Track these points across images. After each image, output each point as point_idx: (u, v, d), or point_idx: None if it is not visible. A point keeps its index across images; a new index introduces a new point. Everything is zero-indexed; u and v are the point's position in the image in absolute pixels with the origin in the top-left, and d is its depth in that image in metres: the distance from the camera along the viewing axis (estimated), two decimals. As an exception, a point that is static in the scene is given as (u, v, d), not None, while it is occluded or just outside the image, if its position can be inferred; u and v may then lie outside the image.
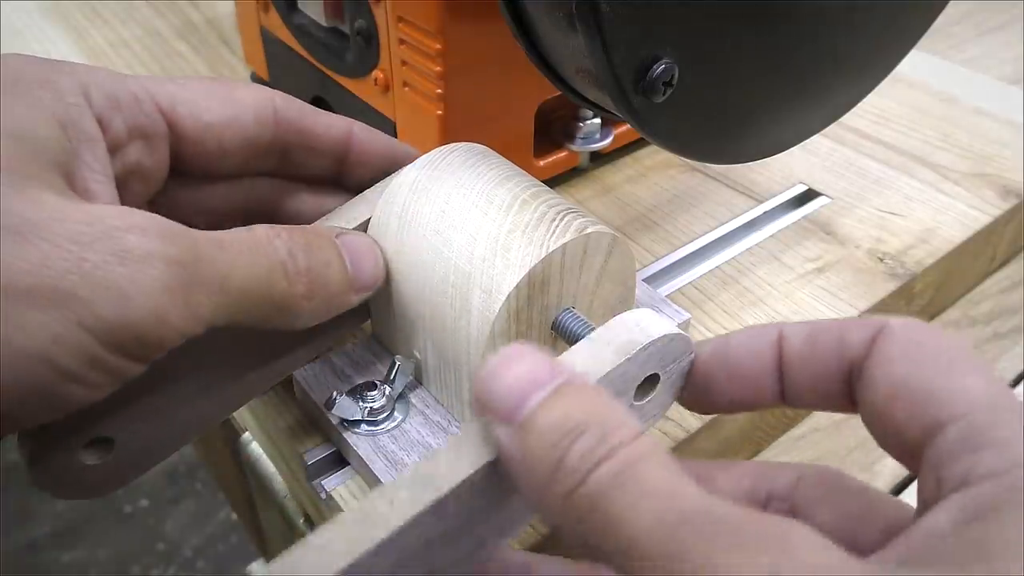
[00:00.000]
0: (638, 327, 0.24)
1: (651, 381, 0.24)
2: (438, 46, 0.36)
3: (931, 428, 0.19)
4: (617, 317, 0.25)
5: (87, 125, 0.26)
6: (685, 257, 0.42)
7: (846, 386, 0.22)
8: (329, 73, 0.45)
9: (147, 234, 0.22)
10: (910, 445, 0.20)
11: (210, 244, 0.24)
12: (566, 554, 0.25)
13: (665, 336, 0.24)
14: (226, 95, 0.29)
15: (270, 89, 0.31)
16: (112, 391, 0.23)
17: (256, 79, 0.55)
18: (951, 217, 0.44)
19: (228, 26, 0.62)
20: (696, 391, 0.25)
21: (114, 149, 0.27)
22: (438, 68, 0.37)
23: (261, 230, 0.26)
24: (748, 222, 0.44)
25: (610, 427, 0.19)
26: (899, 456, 0.21)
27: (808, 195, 0.46)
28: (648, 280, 0.40)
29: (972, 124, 0.51)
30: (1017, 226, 0.46)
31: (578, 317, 0.30)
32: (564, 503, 0.18)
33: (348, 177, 0.32)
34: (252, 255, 0.25)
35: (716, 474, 0.24)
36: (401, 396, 0.31)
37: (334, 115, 0.32)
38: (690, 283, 0.40)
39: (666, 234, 0.43)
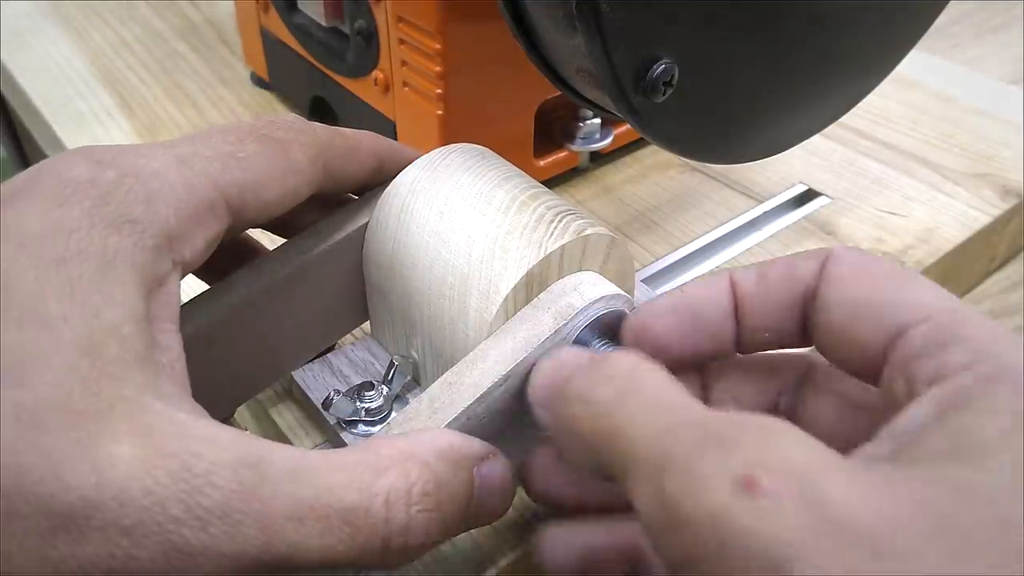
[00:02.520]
0: (575, 290, 0.27)
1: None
2: (438, 46, 0.36)
3: (893, 334, 0.20)
4: (560, 281, 0.27)
5: (163, 271, 0.22)
6: (685, 257, 0.42)
7: (800, 316, 0.23)
8: (329, 73, 0.45)
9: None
10: (872, 356, 0.21)
11: (286, 471, 0.19)
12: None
13: (603, 298, 0.26)
14: (285, 166, 0.26)
15: (320, 139, 0.28)
16: None
17: (256, 79, 0.55)
18: (951, 217, 0.44)
19: (228, 26, 0.62)
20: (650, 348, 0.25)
21: (183, 270, 0.23)
22: (438, 68, 0.37)
23: (371, 462, 0.21)
24: (748, 222, 0.44)
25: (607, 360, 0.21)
26: (859, 370, 0.22)
27: (808, 195, 0.46)
28: (648, 280, 0.40)
29: (972, 124, 0.51)
30: (1017, 226, 0.46)
31: None
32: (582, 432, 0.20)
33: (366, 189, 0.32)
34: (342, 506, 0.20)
35: (729, 373, 0.25)
36: (399, 396, 0.31)
37: (365, 151, 0.30)
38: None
39: (666, 234, 0.43)
